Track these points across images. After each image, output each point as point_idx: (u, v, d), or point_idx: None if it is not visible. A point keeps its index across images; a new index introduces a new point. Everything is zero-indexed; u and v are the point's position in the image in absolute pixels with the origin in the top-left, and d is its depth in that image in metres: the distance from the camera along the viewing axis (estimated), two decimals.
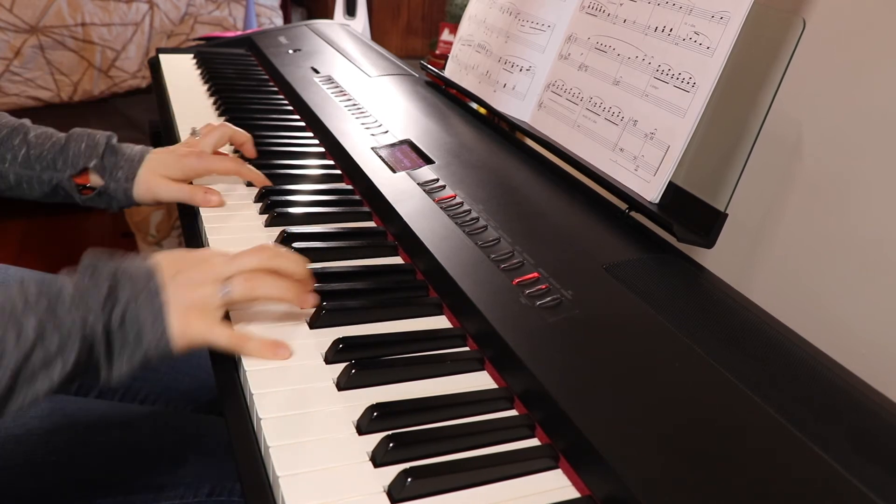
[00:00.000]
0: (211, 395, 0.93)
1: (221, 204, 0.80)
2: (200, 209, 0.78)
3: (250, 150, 0.87)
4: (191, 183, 0.81)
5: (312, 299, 0.60)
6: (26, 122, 0.81)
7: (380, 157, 0.86)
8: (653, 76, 0.72)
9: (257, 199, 0.81)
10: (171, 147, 0.83)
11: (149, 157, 0.79)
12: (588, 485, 0.45)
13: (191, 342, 0.54)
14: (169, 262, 0.55)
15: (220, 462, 0.73)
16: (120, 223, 2.16)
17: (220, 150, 0.85)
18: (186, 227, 0.79)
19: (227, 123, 0.87)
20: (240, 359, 0.55)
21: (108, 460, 0.67)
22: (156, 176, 0.78)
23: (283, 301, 0.58)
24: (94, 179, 0.78)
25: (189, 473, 0.71)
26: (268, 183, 0.83)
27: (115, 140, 0.80)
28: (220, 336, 0.55)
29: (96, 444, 0.68)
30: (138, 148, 0.80)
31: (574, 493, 0.46)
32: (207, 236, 0.73)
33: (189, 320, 0.53)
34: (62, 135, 0.79)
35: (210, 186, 0.81)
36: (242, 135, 0.86)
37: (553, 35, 0.89)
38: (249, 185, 0.85)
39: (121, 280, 0.52)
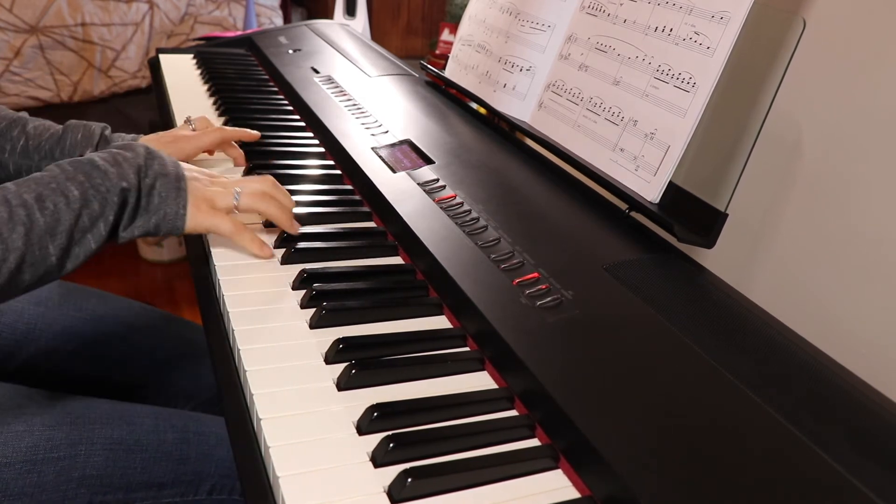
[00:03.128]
0: (211, 394, 0.93)
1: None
2: None
3: (251, 135, 0.92)
4: None
5: (297, 226, 0.71)
6: (24, 114, 0.83)
7: (380, 157, 0.86)
8: (653, 76, 0.72)
9: None
10: (160, 133, 0.86)
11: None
12: (588, 485, 0.45)
13: (199, 224, 0.65)
14: (188, 165, 0.67)
15: (220, 461, 0.74)
16: None
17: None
18: None
19: (224, 127, 0.90)
20: (239, 356, 0.55)
21: (109, 457, 0.67)
22: None
23: (276, 222, 0.70)
24: None
25: (189, 471, 0.71)
26: (256, 135, 0.91)
27: (108, 131, 0.83)
28: (223, 224, 0.66)
29: (98, 440, 0.68)
30: (129, 137, 0.84)
31: (574, 494, 0.46)
32: (208, 237, 0.73)
33: (201, 209, 0.65)
34: (59, 126, 0.83)
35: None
36: (237, 132, 0.90)
37: (553, 35, 0.89)
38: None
39: (153, 159, 0.63)
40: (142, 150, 0.63)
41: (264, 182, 0.70)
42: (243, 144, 0.92)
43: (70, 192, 0.57)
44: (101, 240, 0.60)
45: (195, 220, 0.65)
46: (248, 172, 0.87)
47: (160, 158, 0.64)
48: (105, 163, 0.61)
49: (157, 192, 0.63)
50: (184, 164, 0.67)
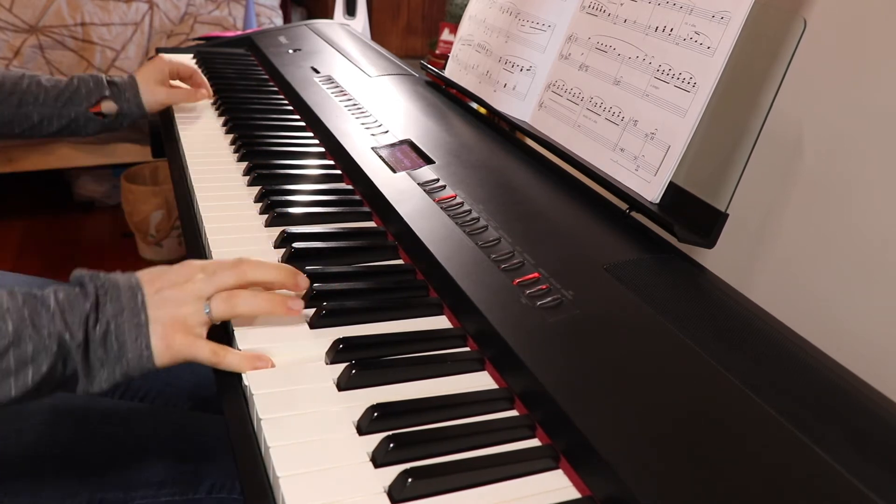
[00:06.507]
0: (211, 393, 0.93)
1: (208, 97, 1.11)
2: (201, 211, 0.78)
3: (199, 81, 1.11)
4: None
5: (298, 305, 0.59)
6: (26, 72, 0.97)
7: (380, 157, 0.86)
8: (653, 76, 0.72)
9: (257, 200, 0.81)
10: (143, 67, 1.07)
11: (138, 76, 1.03)
12: (588, 485, 0.45)
13: (173, 357, 0.55)
14: (151, 279, 0.57)
15: (219, 459, 0.74)
16: (120, 223, 2.16)
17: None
18: (186, 227, 0.79)
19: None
20: None
21: (108, 455, 0.67)
22: (151, 84, 1.03)
23: (267, 314, 0.58)
24: (108, 106, 0.99)
25: (189, 470, 0.71)
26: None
27: (106, 77, 1.01)
28: (202, 351, 0.55)
29: (98, 438, 0.68)
30: (125, 76, 1.03)
31: (575, 494, 0.46)
32: (207, 237, 0.73)
33: (172, 336, 0.55)
34: (66, 78, 0.98)
35: (212, 184, 0.81)
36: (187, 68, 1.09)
37: (553, 35, 0.89)
38: (247, 179, 0.85)
39: (105, 296, 0.54)
40: (93, 292, 0.54)
41: (235, 268, 0.58)
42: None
43: (3, 327, 0.50)
44: (25, 390, 0.51)
45: (168, 353, 0.55)
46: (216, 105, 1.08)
47: (114, 293, 0.54)
48: (56, 304, 0.52)
49: (114, 338, 0.53)
50: (148, 275, 0.57)
